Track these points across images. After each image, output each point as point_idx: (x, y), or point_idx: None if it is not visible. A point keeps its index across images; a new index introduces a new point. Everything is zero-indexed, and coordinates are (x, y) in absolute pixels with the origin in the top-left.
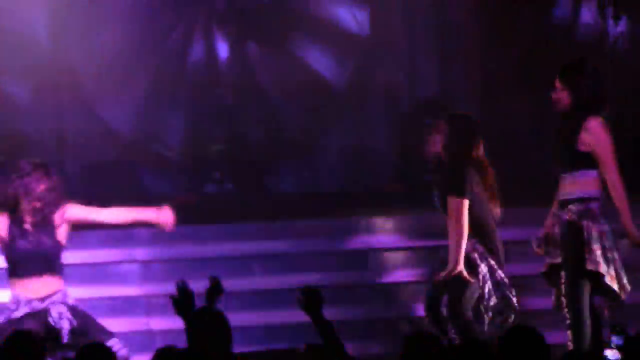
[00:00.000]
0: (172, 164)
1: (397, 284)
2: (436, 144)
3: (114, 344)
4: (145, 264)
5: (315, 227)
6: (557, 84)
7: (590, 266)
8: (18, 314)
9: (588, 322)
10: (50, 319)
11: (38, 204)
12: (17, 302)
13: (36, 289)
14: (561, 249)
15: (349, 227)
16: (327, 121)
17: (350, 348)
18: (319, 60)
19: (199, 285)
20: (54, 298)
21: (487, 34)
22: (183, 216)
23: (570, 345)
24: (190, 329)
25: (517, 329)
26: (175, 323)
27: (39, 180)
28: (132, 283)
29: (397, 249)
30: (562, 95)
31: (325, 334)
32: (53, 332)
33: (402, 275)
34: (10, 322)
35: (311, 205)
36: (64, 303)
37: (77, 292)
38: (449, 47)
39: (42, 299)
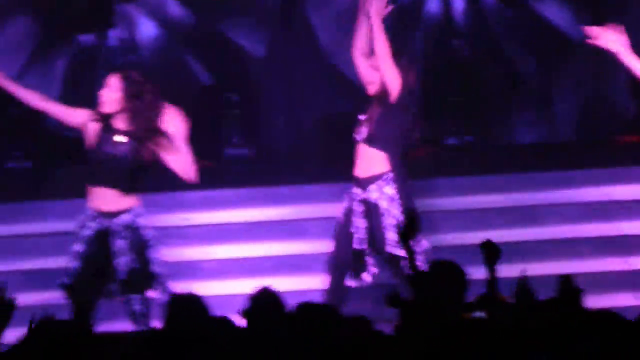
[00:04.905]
0: None
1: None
2: None
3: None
4: None
5: (550, 178)
6: None
7: None
8: (87, 232)
9: None
10: (112, 246)
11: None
12: (85, 216)
13: (106, 201)
14: None
15: (587, 178)
16: (563, 72)
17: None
18: (555, 12)
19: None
20: (123, 218)
21: None
22: (419, 170)
23: None
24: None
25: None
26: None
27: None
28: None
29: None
30: None
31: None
32: (110, 264)
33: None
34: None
35: (546, 157)
36: (132, 227)
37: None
38: None
39: (111, 215)
